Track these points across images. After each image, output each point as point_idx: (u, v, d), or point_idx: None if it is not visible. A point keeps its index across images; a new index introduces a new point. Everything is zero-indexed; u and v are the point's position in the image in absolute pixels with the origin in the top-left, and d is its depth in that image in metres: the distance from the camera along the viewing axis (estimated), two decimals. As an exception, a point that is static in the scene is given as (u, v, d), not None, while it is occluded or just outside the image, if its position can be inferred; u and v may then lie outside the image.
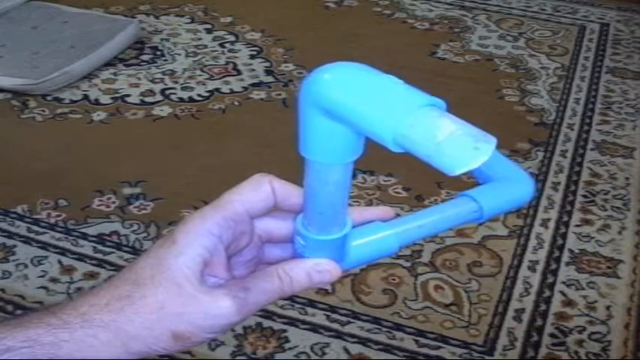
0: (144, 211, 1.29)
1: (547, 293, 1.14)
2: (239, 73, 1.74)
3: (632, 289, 1.15)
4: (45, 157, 1.44)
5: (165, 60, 1.78)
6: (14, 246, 1.21)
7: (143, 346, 0.42)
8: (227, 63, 1.78)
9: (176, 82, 1.69)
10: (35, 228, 1.25)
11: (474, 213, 0.47)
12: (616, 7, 2.12)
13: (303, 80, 0.38)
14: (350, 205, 0.44)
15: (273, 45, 1.86)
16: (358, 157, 0.40)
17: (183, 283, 0.42)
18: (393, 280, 1.16)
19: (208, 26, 1.95)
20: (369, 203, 1.30)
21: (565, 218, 1.30)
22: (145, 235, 1.24)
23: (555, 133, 1.54)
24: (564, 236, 1.26)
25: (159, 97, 1.63)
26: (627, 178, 1.41)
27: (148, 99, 1.63)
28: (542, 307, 1.11)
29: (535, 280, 1.16)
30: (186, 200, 1.30)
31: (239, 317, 0.43)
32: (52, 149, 1.46)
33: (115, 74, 1.72)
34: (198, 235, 0.43)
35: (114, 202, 1.31)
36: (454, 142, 0.31)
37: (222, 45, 1.86)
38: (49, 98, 1.61)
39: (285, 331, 1.06)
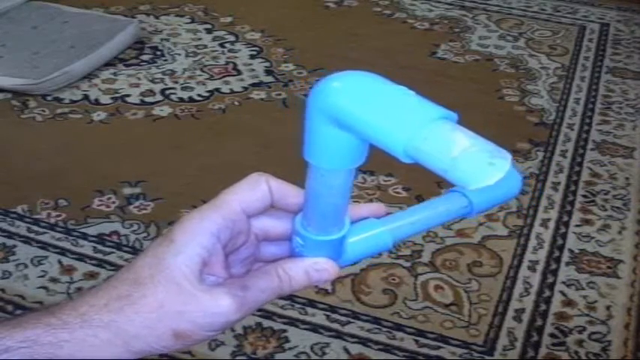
0: (144, 211, 1.29)
1: (547, 293, 1.14)
2: (239, 73, 1.74)
3: (632, 289, 1.15)
4: (45, 157, 1.44)
5: (165, 60, 1.78)
6: (14, 246, 1.21)
7: (144, 345, 0.42)
8: (227, 63, 1.78)
9: (176, 82, 1.69)
10: (35, 228, 1.25)
11: (464, 208, 0.48)
12: (616, 7, 2.12)
13: (313, 87, 0.37)
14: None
15: (273, 45, 1.86)
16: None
17: (182, 282, 0.42)
18: (393, 280, 1.16)
19: (208, 26, 1.95)
20: (370, 203, 1.30)
21: (565, 218, 1.30)
22: (145, 235, 1.24)
23: (555, 133, 1.54)
24: (564, 236, 1.26)
25: (159, 97, 1.63)
26: (627, 178, 1.41)
27: (148, 99, 1.63)
28: (542, 307, 1.11)
29: (535, 280, 1.16)
30: (186, 200, 1.30)
31: (238, 315, 0.43)
32: (52, 149, 1.46)
33: (115, 74, 1.72)
34: (197, 235, 0.43)
35: (114, 202, 1.31)
36: (469, 158, 0.31)
37: (222, 45, 1.86)
38: (49, 98, 1.61)
39: (285, 331, 1.06)
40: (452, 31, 1.95)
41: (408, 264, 1.18)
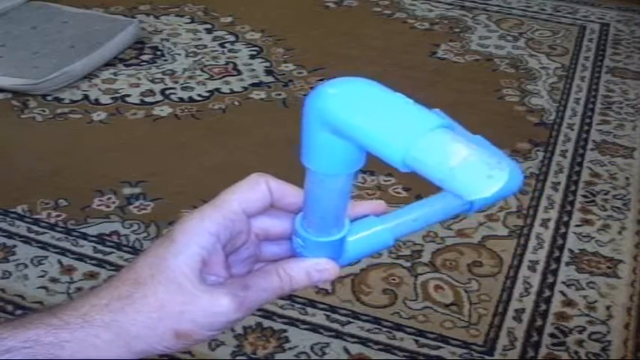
0: (144, 211, 1.29)
1: (547, 293, 1.14)
2: (239, 73, 1.74)
3: (632, 289, 1.15)
4: (45, 157, 1.44)
5: (165, 60, 1.78)
6: (14, 246, 1.21)
7: (146, 345, 0.42)
8: (227, 63, 1.78)
9: (176, 82, 1.69)
10: (35, 228, 1.25)
11: (464, 205, 0.48)
12: (616, 7, 2.12)
13: (309, 93, 0.37)
14: None
15: (273, 45, 1.86)
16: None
17: (182, 281, 0.42)
18: (393, 280, 1.16)
19: (208, 26, 1.95)
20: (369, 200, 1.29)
21: (565, 218, 1.30)
22: (145, 235, 1.24)
23: (555, 133, 1.54)
24: (564, 236, 1.26)
25: (159, 97, 1.63)
26: (627, 178, 1.41)
27: (148, 99, 1.63)
28: (542, 307, 1.11)
29: (535, 280, 1.16)
30: (186, 200, 1.30)
31: (239, 315, 0.43)
32: (52, 149, 1.46)
33: (115, 74, 1.72)
34: (197, 235, 0.43)
35: (114, 202, 1.31)
36: (468, 169, 0.31)
37: (222, 45, 1.86)
38: (49, 98, 1.61)
39: (285, 331, 1.06)
40: (452, 31, 1.95)
41: (408, 264, 1.18)
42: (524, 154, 1.46)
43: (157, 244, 0.44)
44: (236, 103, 1.63)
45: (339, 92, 0.35)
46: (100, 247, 1.21)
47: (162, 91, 1.65)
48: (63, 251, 1.20)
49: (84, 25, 1.85)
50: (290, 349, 1.04)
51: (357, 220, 0.47)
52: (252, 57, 1.80)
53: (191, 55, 1.80)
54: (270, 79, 1.71)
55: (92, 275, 1.16)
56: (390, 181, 1.37)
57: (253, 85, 1.69)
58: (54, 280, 1.14)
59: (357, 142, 0.35)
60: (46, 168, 1.40)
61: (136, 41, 1.84)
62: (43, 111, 1.58)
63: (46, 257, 1.19)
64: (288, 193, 0.46)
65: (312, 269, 0.45)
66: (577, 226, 1.28)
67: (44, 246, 1.21)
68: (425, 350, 1.04)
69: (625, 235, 1.26)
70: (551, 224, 1.28)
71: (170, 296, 0.42)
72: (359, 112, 0.34)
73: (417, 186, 1.35)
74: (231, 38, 1.89)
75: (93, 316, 0.41)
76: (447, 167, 0.31)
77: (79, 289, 1.13)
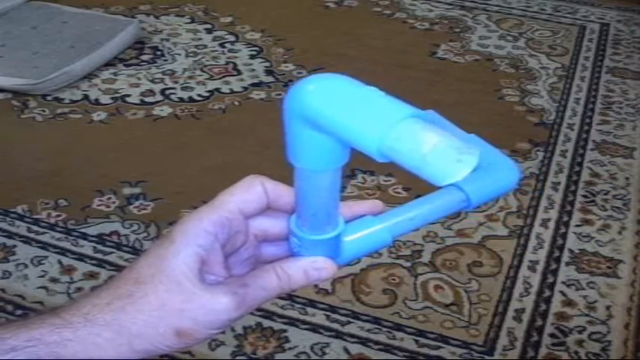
0: (144, 211, 1.29)
1: (547, 293, 1.14)
2: (239, 73, 1.74)
3: (632, 289, 1.15)
4: (45, 157, 1.44)
5: (165, 60, 1.78)
6: (14, 246, 1.21)
7: (147, 344, 0.42)
8: (227, 63, 1.78)
9: (176, 82, 1.69)
10: (35, 228, 1.25)
11: (462, 202, 0.48)
12: (616, 7, 2.12)
13: (288, 91, 0.38)
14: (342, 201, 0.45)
15: (273, 45, 1.86)
16: (352, 159, 0.41)
17: (182, 280, 0.43)
18: (393, 280, 1.16)
19: (208, 26, 1.95)
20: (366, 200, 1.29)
21: (565, 218, 1.30)
22: (145, 235, 1.24)
23: (555, 133, 1.54)
24: (564, 236, 1.26)
25: (159, 97, 1.63)
26: (627, 178, 1.41)
27: (148, 99, 1.63)
28: (542, 307, 1.12)
29: (535, 280, 1.16)
30: (186, 200, 1.30)
31: (238, 313, 0.43)
32: (52, 149, 1.46)
33: (115, 74, 1.72)
34: (195, 235, 0.44)
35: (114, 202, 1.31)
36: (438, 154, 0.32)
37: (222, 45, 1.86)
38: (49, 98, 1.61)
39: (285, 331, 1.06)
40: (452, 31, 1.95)
41: (408, 264, 1.18)
42: (524, 154, 1.46)
43: (157, 244, 0.44)
44: (236, 103, 1.63)
45: (315, 88, 0.36)
46: (100, 247, 1.21)
47: (162, 91, 1.66)
48: (63, 251, 1.20)
49: (84, 25, 1.85)
50: (290, 349, 1.04)
51: (355, 220, 0.47)
52: (252, 57, 1.81)
53: (191, 55, 1.81)
54: (270, 79, 1.71)
55: (92, 275, 1.16)
56: (390, 181, 1.37)
57: (253, 85, 1.69)
58: (54, 280, 1.14)
59: (336, 136, 0.36)
60: (46, 168, 1.40)
61: (136, 41, 1.84)
62: (43, 111, 1.58)
63: (46, 257, 1.19)
64: (284, 194, 0.47)
65: (310, 268, 0.45)
66: (577, 226, 1.28)
67: (44, 246, 1.21)
68: (425, 350, 1.04)
69: (625, 235, 1.26)
70: (551, 224, 1.28)
71: (170, 295, 0.42)
72: (336, 106, 0.35)
73: (416, 186, 1.35)
74: (231, 38, 1.89)
75: (95, 315, 0.42)
76: (419, 154, 0.32)
77: (79, 289, 1.13)
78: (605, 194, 1.36)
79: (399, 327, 1.07)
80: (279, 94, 1.65)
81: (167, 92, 1.65)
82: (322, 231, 0.44)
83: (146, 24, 1.94)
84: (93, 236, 1.23)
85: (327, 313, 1.10)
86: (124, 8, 2.02)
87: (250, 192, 0.46)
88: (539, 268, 1.19)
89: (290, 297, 1.11)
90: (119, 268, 1.16)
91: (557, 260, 1.21)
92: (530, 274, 1.17)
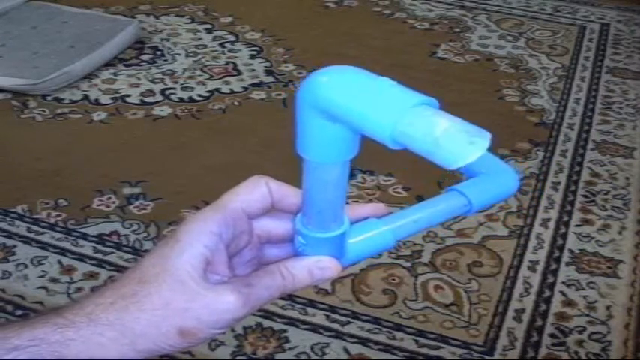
0: (144, 211, 1.29)
1: (547, 293, 1.14)
2: (239, 73, 1.74)
3: (632, 289, 1.15)
4: (45, 157, 1.44)
5: (166, 60, 1.78)
6: (14, 246, 1.21)
7: (150, 343, 0.42)
8: (227, 63, 1.78)
9: (176, 82, 1.69)
10: (35, 228, 1.25)
11: (464, 207, 0.49)
12: (616, 7, 2.12)
13: (301, 83, 0.39)
14: (347, 204, 0.45)
15: (273, 45, 1.86)
16: (356, 156, 0.41)
17: (186, 279, 0.43)
18: (393, 280, 1.16)
19: (208, 26, 1.95)
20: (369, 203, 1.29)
21: (565, 218, 1.30)
22: (145, 235, 1.24)
23: (555, 133, 1.54)
24: (564, 236, 1.26)
25: (159, 97, 1.63)
26: (627, 178, 1.41)
27: (148, 99, 1.63)
28: (542, 307, 1.12)
29: (535, 280, 1.16)
30: (186, 200, 1.30)
31: (242, 312, 0.43)
32: (52, 149, 1.46)
33: (115, 74, 1.72)
34: (200, 234, 0.44)
35: (114, 202, 1.31)
36: (450, 138, 0.33)
37: (222, 45, 1.86)
38: (49, 98, 1.61)
39: (285, 331, 1.06)
40: (452, 31, 1.95)
41: (408, 264, 1.18)
42: (524, 154, 1.46)
43: (161, 244, 0.45)
44: (236, 103, 1.63)
45: (330, 79, 0.37)
46: (100, 247, 1.21)
47: (162, 91, 1.66)
48: (63, 251, 1.20)
49: (84, 25, 1.85)
50: (290, 349, 1.04)
51: (359, 222, 0.47)
52: (252, 57, 1.81)
53: (191, 55, 1.81)
54: (270, 79, 1.71)
55: (92, 275, 1.16)
56: (390, 181, 1.37)
57: (253, 85, 1.69)
58: (54, 280, 1.14)
59: (349, 124, 0.37)
60: (46, 168, 1.40)
61: (136, 41, 1.84)
62: (43, 111, 1.58)
63: (46, 257, 1.19)
64: (288, 194, 0.47)
65: (314, 267, 0.46)
66: (577, 226, 1.28)
67: (44, 246, 1.21)
68: (425, 350, 1.04)
69: (625, 235, 1.26)
70: (551, 224, 1.28)
71: (174, 294, 0.42)
72: (349, 95, 0.36)
73: (417, 186, 1.35)
74: (231, 38, 1.89)
75: (98, 315, 0.42)
76: (431, 137, 0.33)
77: (79, 289, 1.13)
78: (605, 194, 1.36)
79: (399, 327, 1.07)
80: (279, 94, 1.65)
81: (167, 92, 1.65)
82: (328, 228, 0.44)
83: (146, 24, 1.94)
84: (93, 236, 1.23)
85: (327, 313, 1.10)
86: (124, 8, 2.02)
87: (254, 192, 0.46)
88: (539, 268, 1.19)
89: (290, 297, 1.11)
90: (119, 268, 1.16)
91: (557, 260, 1.21)
92: (530, 274, 1.17)
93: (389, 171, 1.39)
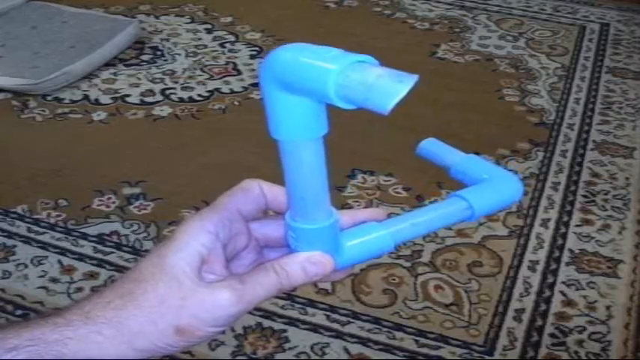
0: (144, 211, 1.29)
1: (547, 293, 1.14)
2: (239, 73, 1.74)
3: (632, 289, 1.15)
4: (45, 157, 1.44)
5: (165, 60, 1.78)
6: (14, 246, 1.21)
7: (148, 342, 0.43)
8: (227, 63, 1.78)
9: (176, 82, 1.69)
10: (35, 228, 1.25)
11: (466, 212, 0.49)
12: (616, 7, 2.12)
13: (260, 64, 0.41)
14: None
15: (273, 45, 1.86)
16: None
17: (181, 277, 0.43)
18: (393, 280, 1.16)
19: (208, 26, 1.95)
20: (369, 203, 1.30)
21: (565, 218, 1.30)
22: (145, 235, 1.24)
23: (555, 133, 1.54)
24: (564, 236, 1.26)
25: (159, 97, 1.63)
26: (627, 178, 1.41)
27: (148, 99, 1.63)
28: (542, 307, 1.12)
29: (535, 280, 1.16)
30: (186, 200, 1.30)
31: (237, 309, 0.44)
32: (52, 149, 1.46)
33: (115, 74, 1.72)
34: (196, 233, 0.45)
35: (114, 202, 1.31)
36: (382, 81, 0.36)
37: (222, 45, 1.86)
38: (49, 98, 1.61)
39: (285, 331, 1.06)
40: (452, 31, 1.95)
41: (408, 264, 1.18)
42: (524, 154, 1.46)
43: (160, 244, 0.45)
44: (236, 103, 1.63)
45: (284, 51, 0.41)
46: (100, 247, 1.21)
47: (162, 91, 1.66)
48: (63, 251, 1.20)
49: (84, 25, 1.85)
50: (290, 349, 1.04)
51: (358, 225, 0.48)
52: (252, 57, 1.81)
53: (191, 55, 1.81)
54: (270, 79, 1.71)
55: (92, 275, 1.16)
56: (390, 181, 1.37)
57: (253, 85, 1.69)
58: (54, 280, 1.14)
59: (303, 89, 0.40)
60: (46, 168, 1.40)
61: (136, 41, 1.84)
62: (43, 111, 1.58)
63: (46, 257, 1.19)
64: (280, 193, 0.48)
65: (307, 262, 0.46)
66: (577, 226, 1.28)
67: (44, 246, 1.21)
68: (425, 350, 1.04)
69: (625, 235, 1.26)
70: (551, 224, 1.28)
71: (170, 291, 0.43)
72: (299, 62, 0.40)
73: (417, 186, 1.35)
74: (231, 38, 1.89)
75: (95, 314, 0.42)
76: (366, 85, 0.37)
77: (79, 289, 1.13)
78: (605, 194, 1.36)
79: (399, 327, 1.07)
80: (279, 94, 1.65)
81: (167, 92, 1.65)
82: (314, 219, 0.45)
83: (146, 24, 1.94)
84: (93, 236, 1.23)
85: (327, 313, 1.10)
86: (124, 8, 2.02)
87: (248, 194, 0.48)
88: (539, 268, 1.19)
89: (290, 297, 1.11)
90: (119, 268, 1.16)
91: (557, 260, 1.21)
92: (530, 274, 1.17)
93: (389, 171, 1.39)
